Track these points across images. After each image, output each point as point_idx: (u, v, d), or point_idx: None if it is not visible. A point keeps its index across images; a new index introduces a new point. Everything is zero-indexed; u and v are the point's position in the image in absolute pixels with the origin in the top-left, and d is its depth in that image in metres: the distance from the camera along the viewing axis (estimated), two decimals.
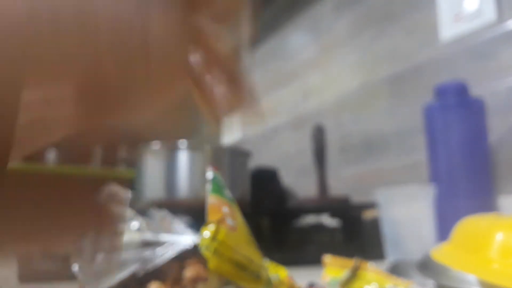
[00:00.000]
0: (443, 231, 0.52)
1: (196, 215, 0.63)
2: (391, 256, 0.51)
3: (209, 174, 0.22)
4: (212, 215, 0.20)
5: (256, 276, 0.21)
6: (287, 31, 1.12)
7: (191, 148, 0.59)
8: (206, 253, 0.19)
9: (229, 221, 0.20)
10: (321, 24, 0.99)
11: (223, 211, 0.21)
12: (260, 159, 1.17)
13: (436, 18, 0.70)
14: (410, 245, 0.50)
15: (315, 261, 0.55)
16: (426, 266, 0.34)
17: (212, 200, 0.21)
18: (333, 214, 0.69)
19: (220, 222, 0.20)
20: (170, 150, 0.59)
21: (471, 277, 0.29)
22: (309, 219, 0.82)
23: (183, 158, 0.58)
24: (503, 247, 0.29)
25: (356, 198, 0.81)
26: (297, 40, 1.08)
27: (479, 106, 0.55)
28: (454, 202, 0.53)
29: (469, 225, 0.35)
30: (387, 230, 0.52)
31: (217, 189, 0.22)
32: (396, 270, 0.42)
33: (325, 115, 0.95)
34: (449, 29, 0.67)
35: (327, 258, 0.41)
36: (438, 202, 0.52)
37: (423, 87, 0.71)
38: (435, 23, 0.70)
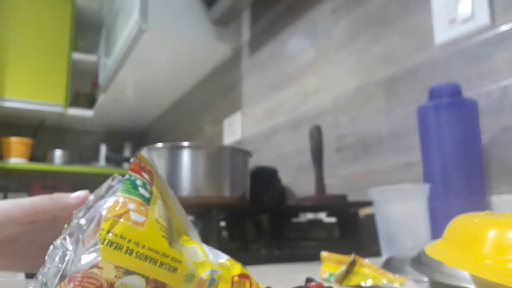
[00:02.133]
0: (437, 229, 0.53)
1: (197, 214, 0.64)
2: (386, 252, 0.52)
3: (126, 176, 0.24)
4: (112, 211, 0.22)
5: (171, 269, 0.22)
6: (286, 35, 1.13)
7: (193, 147, 0.60)
8: (99, 244, 0.21)
9: (134, 216, 0.22)
10: (319, 28, 1.00)
11: (128, 207, 0.22)
12: (260, 159, 1.18)
13: (431, 22, 0.71)
14: (404, 243, 0.51)
15: (313, 257, 0.56)
16: (420, 262, 0.35)
17: (117, 198, 0.23)
18: (331, 212, 0.70)
19: (119, 216, 0.22)
20: (173, 149, 0.60)
21: (465, 273, 0.29)
22: (307, 217, 0.83)
23: (184, 157, 0.60)
24: (496, 244, 0.29)
25: (353, 196, 0.82)
26: (295, 44, 1.09)
27: (472, 107, 0.56)
28: (447, 201, 0.54)
29: (463, 223, 0.35)
30: (382, 228, 0.53)
31: (130, 189, 0.23)
32: (392, 266, 0.43)
33: (322, 116, 0.96)
34: (443, 32, 0.69)
35: (325, 254, 0.42)
36: (431, 201, 0.53)
37: (418, 89, 0.73)
38: (430, 27, 0.72)
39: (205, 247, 0.27)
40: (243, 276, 0.25)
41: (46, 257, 0.22)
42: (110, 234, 0.21)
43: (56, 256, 0.22)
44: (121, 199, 0.23)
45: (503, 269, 0.28)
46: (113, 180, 0.26)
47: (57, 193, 0.28)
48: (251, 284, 0.25)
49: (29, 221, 0.27)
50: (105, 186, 0.26)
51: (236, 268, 0.26)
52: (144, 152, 0.26)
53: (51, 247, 0.23)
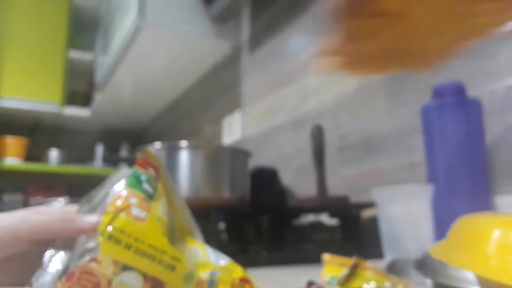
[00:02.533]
0: (441, 230, 0.52)
1: (196, 215, 0.63)
2: (389, 255, 0.51)
3: (130, 171, 0.24)
4: (114, 205, 0.22)
5: (170, 267, 0.22)
6: (287, 33, 1.12)
7: (192, 147, 0.59)
8: (99, 238, 0.21)
9: (135, 211, 0.22)
10: (320, 25, 1.00)
11: (130, 201, 0.22)
12: (260, 159, 1.17)
13: None
14: (408, 244, 0.50)
15: (314, 259, 0.55)
16: (424, 264, 0.35)
17: (121, 191, 0.23)
18: (332, 213, 0.69)
19: (121, 210, 0.22)
20: (171, 149, 0.59)
21: (469, 274, 0.29)
22: (309, 218, 0.83)
23: (183, 157, 0.59)
24: (500, 244, 0.29)
25: (355, 197, 0.81)
26: (296, 42, 1.08)
27: (476, 106, 0.55)
28: (451, 202, 0.53)
29: (467, 223, 0.35)
30: (385, 229, 0.52)
31: (134, 184, 0.23)
32: (395, 268, 0.42)
33: (324, 115, 0.95)
34: None
35: (326, 257, 0.42)
36: (435, 202, 0.52)
37: (421, 87, 0.72)
38: None
39: (208, 248, 0.26)
40: (244, 280, 0.25)
41: (45, 259, 0.23)
42: (110, 228, 0.21)
43: (55, 257, 0.22)
44: (124, 193, 0.23)
45: (508, 269, 0.27)
46: (118, 173, 0.26)
47: (69, 214, 0.26)
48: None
49: (36, 240, 0.26)
50: (111, 181, 0.25)
51: (237, 271, 0.25)
52: (151, 149, 0.26)
53: (50, 249, 0.23)
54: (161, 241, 0.22)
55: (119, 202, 0.22)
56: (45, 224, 0.26)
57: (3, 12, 1.91)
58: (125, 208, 0.22)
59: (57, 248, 0.23)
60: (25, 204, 1.89)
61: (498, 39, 0.61)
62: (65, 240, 0.24)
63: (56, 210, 0.26)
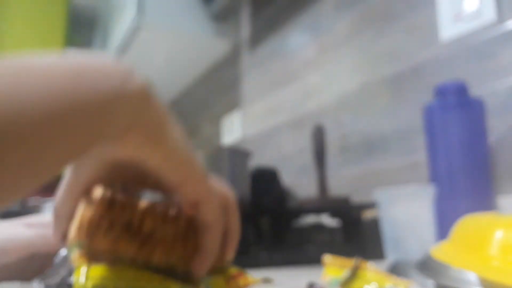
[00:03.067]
0: (443, 231, 0.52)
1: None
2: (391, 255, 0.51)
3: (65, 251, 0.24)
4: (76, 262, 0.22)
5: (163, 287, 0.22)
6: (287, 31, 1.12)
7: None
8: None
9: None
10: (321, 24, 0.99)
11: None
12: (260, 159, 1.17)
13: (436, 18, 0.70)
14: (409, 245, 0.50)
15: (315, 260, 0.55)
16: (426, 266, 0.34)
17: (72, 256, 0.22)
18: (333, 214, 0.69)
19: (87, 264, 0.22)
20: None
21: (471, 275, 0.28)
22: (309, 219, 0.82)
23: None
24: (503, 245, 0.29)
25: (356, 198, 0.81)
26: (297, 40, 1.08)
27: (479, 106, 0.55)
28: (453, 202, 0.53)
29: (469, 223, 0.35)
30: (387, 230, 0.52)
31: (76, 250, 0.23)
32: (396, 269, 0.42)
33: (325, 115, 0.95)
34: (449, 29, 0.67)
35: (327, 258, 0.41)
36: (437, 202, 0.52)
37: (423, 87, 0.72)
38: (435, 23, 0.70)
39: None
40: (237, 274, 0.26)
41: (56, 258, 0.23)
42: (89, 280, 0.21)
43: (62, 264, 0.23)
44: (75, 255, 0.22)
45: (511, 270, 0.27)
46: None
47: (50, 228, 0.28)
48: (245, 279, 0.26)
49: (23, 255, 0.28)
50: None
51: (230, 270, 0.26)
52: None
53: (59, 253, 0.23)
54: (142, 271, 0.22)
55: (79, 259, 0.22)
56: (29, 241, 0.28)
57: (0, 10, 1.90)
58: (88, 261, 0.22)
59: (64, 253, 0.23)
60: (23, 204, 1.88)
61: (501, 38, 0.60)
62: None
63: (43, 225, 0.28)
